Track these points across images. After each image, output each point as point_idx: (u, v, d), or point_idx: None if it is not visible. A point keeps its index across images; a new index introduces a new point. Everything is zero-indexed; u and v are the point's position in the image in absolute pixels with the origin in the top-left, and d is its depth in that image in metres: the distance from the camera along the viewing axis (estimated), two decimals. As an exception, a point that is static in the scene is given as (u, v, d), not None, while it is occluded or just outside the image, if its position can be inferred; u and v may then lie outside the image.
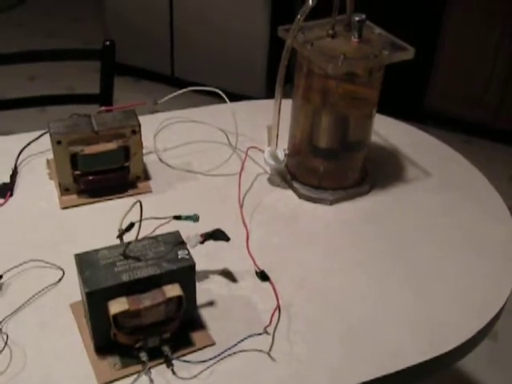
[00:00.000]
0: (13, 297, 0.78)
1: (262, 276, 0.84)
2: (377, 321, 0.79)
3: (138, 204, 0.72)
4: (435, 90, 2.40)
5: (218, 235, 0.80)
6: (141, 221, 0.73)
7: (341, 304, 0.81)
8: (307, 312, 0.80)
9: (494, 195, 1.02)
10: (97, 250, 0.71)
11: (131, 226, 0.70)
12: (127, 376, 0.71)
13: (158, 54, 2.64)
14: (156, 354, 0.72)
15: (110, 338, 0.71)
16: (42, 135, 1.02)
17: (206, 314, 0.78)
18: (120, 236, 0.70)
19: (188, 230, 0.77)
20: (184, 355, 0.73)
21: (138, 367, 0.71)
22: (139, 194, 0.96)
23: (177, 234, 0.74)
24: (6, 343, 0.72)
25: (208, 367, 0.72)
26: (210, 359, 0.72)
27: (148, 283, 0.69)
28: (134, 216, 0.72)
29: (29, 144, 1.01)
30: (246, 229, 0.89)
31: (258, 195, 0.98)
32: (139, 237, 0.72)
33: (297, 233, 0.92)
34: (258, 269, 0.84)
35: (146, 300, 0.69)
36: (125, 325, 0.69)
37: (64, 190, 0.93)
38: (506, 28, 2.17)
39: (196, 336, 0.75)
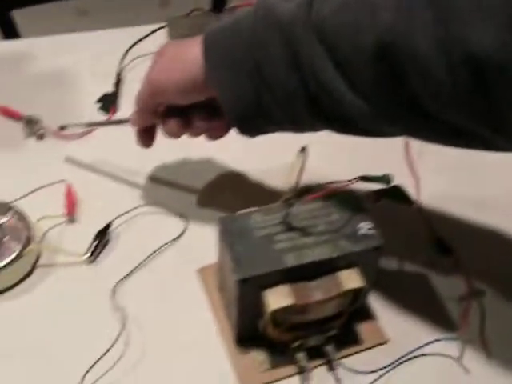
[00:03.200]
0: (122, 255, 0.60)
1: (442, 247, 0.63)
2: None
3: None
4: None
5: (396, 195, 0.58)
6: (302, 171, 0.53)
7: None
8: (508, 303, 0.60)
9: None
10: (247, 214, 0.52)
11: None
12: (278, 380, 0.53)
13: None
14: (313, 353, 0.53)
15: (258, 330, 0.53)
16: (155, 31, 0.80)
17: (372, 298, 0.59)
18: (288, 200, 0.50)
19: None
20: (350, 355, 0.55)
21: (291, 369, 0.54)
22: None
23: (356, 198, 0.53)
24: (122, 328, 0.55)
25: (381, 376, 0.54)
26: (384, 367, 0.54)
27: (319, 268, 0.50)
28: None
29: (137, 42, 0.79)
30: (415, 178, 0.68)
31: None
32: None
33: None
34: (436, 237, 0.64)
35: (317, 292, 0.50)
36: (284, 321, 0.50)
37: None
38: None
39: (364, 330, 0.57)
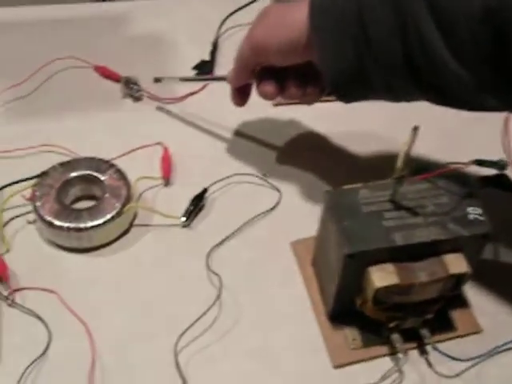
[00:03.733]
0: (216, 221, 0.61)
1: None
2: None
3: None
4: None
5: (502, 183, 0.57)
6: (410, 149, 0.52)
7: None
8: None
9: None
10: (355, 189, 0.51)
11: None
12: (369, 359, 0.53)
13: None
14: (406, 335, 0.53)
15: (353, 307, 0.52)
16: (251, 3, 0.79)
17: (467, 286, 0.58)
18: (399, 178, 0.49)
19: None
20: (442, 341, 0.54)
21: (383, 349, 0.53)
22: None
23: (466, 181, 0.52)
24: (220, 288, 0.55)
25: (473, 365, 0.53)
26: (476, 357, 0.53)
27: (424, 249, 0.49)
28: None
29: (236, 11, 0.79)
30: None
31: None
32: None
33: None
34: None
35: (422, 273, 0.49)
36: (384, 300, 0.50)
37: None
38: None
39: (458, 317, 0.56)
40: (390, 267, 0.48)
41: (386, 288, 0.48)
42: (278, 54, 0.53)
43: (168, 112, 0.70)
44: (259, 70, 0.57)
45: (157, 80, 0.69)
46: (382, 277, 0.48)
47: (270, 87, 0.56)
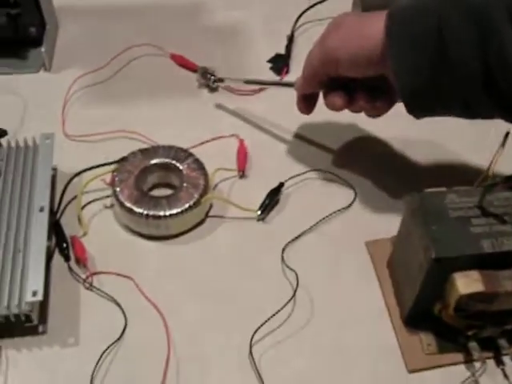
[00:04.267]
0: (291, 216, 0.60)
1: None
2: None
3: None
4: None
5: None
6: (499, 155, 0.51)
7: None
8: None
9: None
10: (442, 193, 0.50)
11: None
12: (444, 366, 0.52)
13: None
14: (483, 344, 0.52)
15: (430, 311, 0.51)
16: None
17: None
18: (488, 185, 0.48)
19: None
20: (518, 353, 0.53)
21: (458, 356, 0.52)
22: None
23: (556, 191, 0.51)
24: (297, 284, 0.55)
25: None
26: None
27: (510, 258, 0.48)
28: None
29: (313, 5, 0.78)
30: None
31: None
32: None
33: None
34: None
35: (507, 282, 0.48)
36: (465, 307, 0.49)
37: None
38: None
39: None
40: (475, 274, 0.47)
41: (470, 295, 0.47)
42: (350, 65, 0.52)
43: (242, 104, 0.70)
44: (328, 80, 0.56)
45: (219, 80, 0.68)
46: (466, 284, 0.47)
47: (338, 99, 0.55)
